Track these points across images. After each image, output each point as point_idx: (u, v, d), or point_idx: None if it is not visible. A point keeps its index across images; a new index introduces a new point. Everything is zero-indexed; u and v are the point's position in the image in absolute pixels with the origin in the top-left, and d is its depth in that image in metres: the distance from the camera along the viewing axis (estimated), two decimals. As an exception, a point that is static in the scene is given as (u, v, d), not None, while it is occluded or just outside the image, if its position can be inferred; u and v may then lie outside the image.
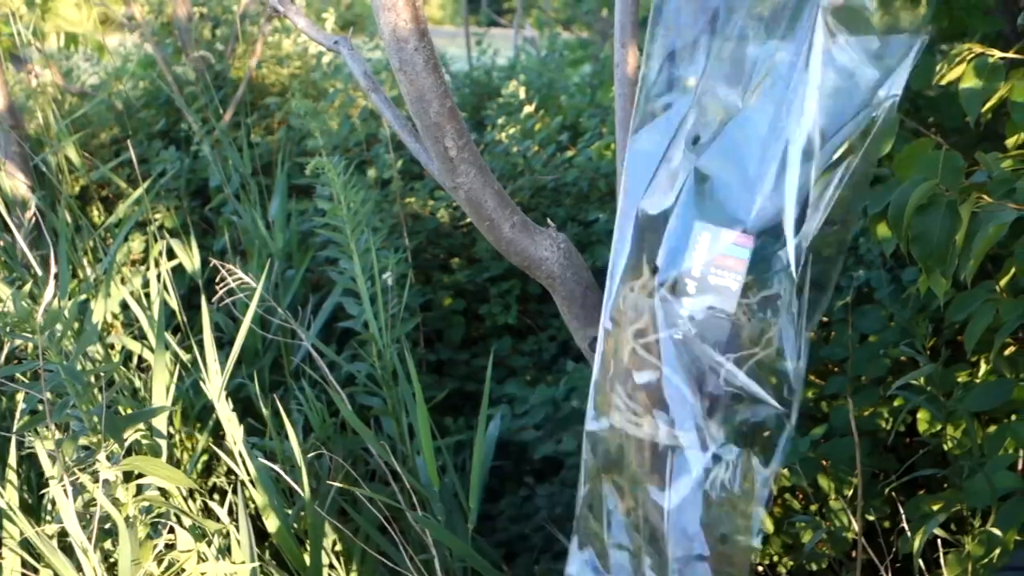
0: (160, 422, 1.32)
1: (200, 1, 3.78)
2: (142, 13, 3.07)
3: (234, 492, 1.44)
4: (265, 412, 1.42)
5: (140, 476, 1.15)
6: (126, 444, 1.08)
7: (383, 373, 1.57)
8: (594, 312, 0.97)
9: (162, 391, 1.36)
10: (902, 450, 1.70)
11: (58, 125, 2.29)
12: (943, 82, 1.30)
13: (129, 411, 1.59)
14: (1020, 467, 1.37)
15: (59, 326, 1.00)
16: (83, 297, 1.82)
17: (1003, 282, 1.28)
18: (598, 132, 2.59)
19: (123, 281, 1.99)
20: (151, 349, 1.73)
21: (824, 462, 1.54)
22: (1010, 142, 1.37)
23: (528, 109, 2.54)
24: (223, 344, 2.16)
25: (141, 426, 1.20)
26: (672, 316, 0.77)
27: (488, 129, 2.73)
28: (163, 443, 1.31)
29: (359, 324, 1.64)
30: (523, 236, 0.93)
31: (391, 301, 1.70)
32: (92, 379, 1.11)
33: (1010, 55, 1.26)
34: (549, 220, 0.97)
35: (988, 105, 1.26)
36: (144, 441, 1.24)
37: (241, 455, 1.28)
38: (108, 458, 1.04)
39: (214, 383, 1.31)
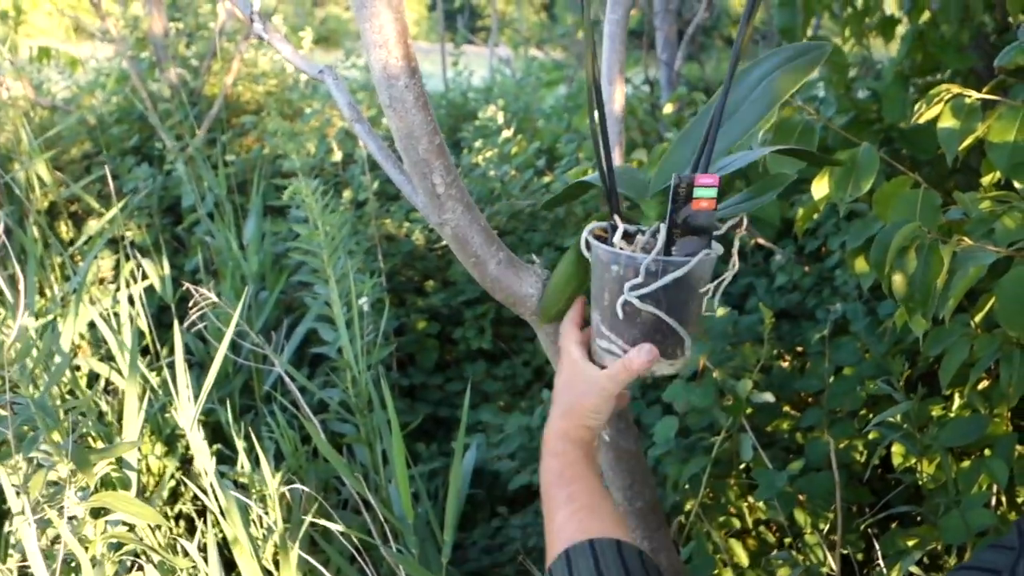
0: (131, 454, 1.29)
1: (177, 16, 3.75)
2: (117, 28, 3.03)
3: (202, 518, 1.40)
4: (237, 440, 1.39)
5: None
6: (96, 477, 1.05)
7: (357, 401, 1.54)
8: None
9: (133, 423, 1.32)
10: (876, 482, 1.70)
11: (29, 140, 2.25)
12: (921, 120, 1.31)
13: (97, 437, 1.56)
14: (995, 503, 1.38)
15: (29, 360, 0.97)
16: (51, 317, 1.78)
17: (978, 318, 1.30)
18: (575, 158, 2.59)
19: (92, 301, 1.95)
20: (119, 372, 1.70)
21: (800, 496, 1.54)
22: (985, 180, 1.39)
23: (506, 133, 2.54)
24: (193, 365, 2.12)
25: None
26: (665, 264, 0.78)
27: (465, 152, 2.72)
28: (133, 475, 1.28)
29: (333, 350, 1.61)
30: (508, 273, 0.92)
31: (367, 327, 1.68)
32: (61, 413, 1.08)
33: (986, 96, 1.28)
34: (534, 256, 0.96)
35: (964, 144, 1.28)
36: (114, 473, 1.21)
37: (212, 486, 1.25)
38: (77, 493, 1.01)
39: (185, 412, 1.28)
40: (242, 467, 1.36)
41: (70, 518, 1.01)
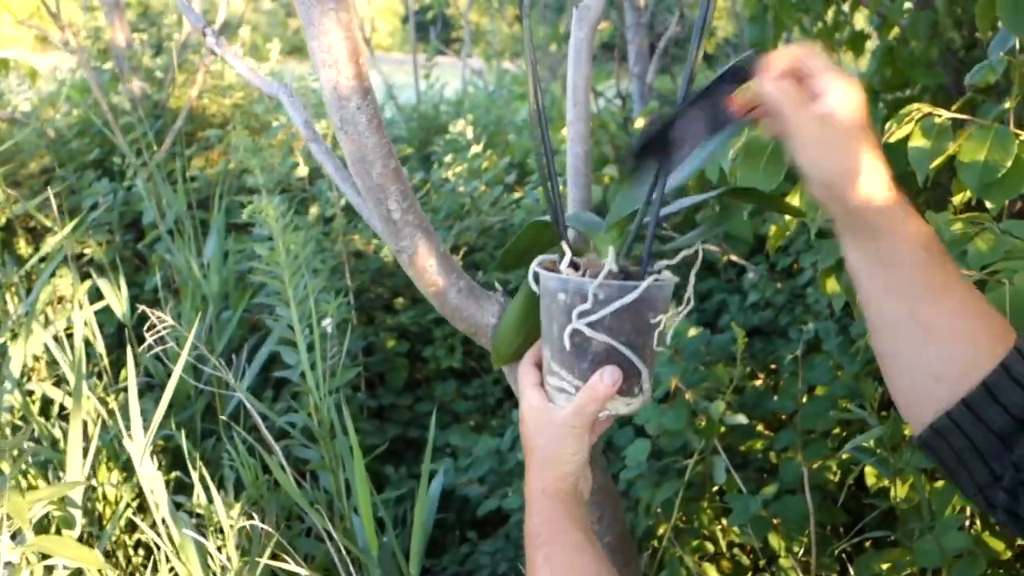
0: (76, 492, 1.23)
1: (140, 27, 3.68)
2: (78, 39, 2.96)
3: (160, 549, 1.35)
4: (193, 471, 1.34)
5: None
6: (34, 519, 0.99)
7: (320, 427, 1.50)
8: (543, 380, 0.93)
9: (77, 460, 1.26)
10: (851, 502, 1.68)
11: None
12: (892, 140, 1.29)
13: (52, 465, 1.50)
14: (968, 525, 1.36)
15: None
16: (1, 340, 1.72)
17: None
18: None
19: (48, 321, 1.89)
20: (71, 395, 1.64)
21: (775, 520, 1.51)
22: (957, 199, 1.38)
23: (476, 149, 2.51)
24: (153, 388, 2.06)
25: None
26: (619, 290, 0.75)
27: (435, 166, 2.69)
28: (77, 513, 1.22)
29: (296, 374, 1.56)
30: (469, 302, 0.89)
31: (330, 349, 1.63)
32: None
33: (956, 115, 1.26)
34: (497, 284, 0.93)
35: (935, 164, 1.26)
36: (57, 512, 1.16)
37: (164, 521, 1.20)
38: (13, 536, 0.96)
39: (137, 443, 1.23)
40: (198, 499, 1.31)
41: (6, 563, 0.95)
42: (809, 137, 0.66)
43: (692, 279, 0.80)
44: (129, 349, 1.41)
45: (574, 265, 0.78)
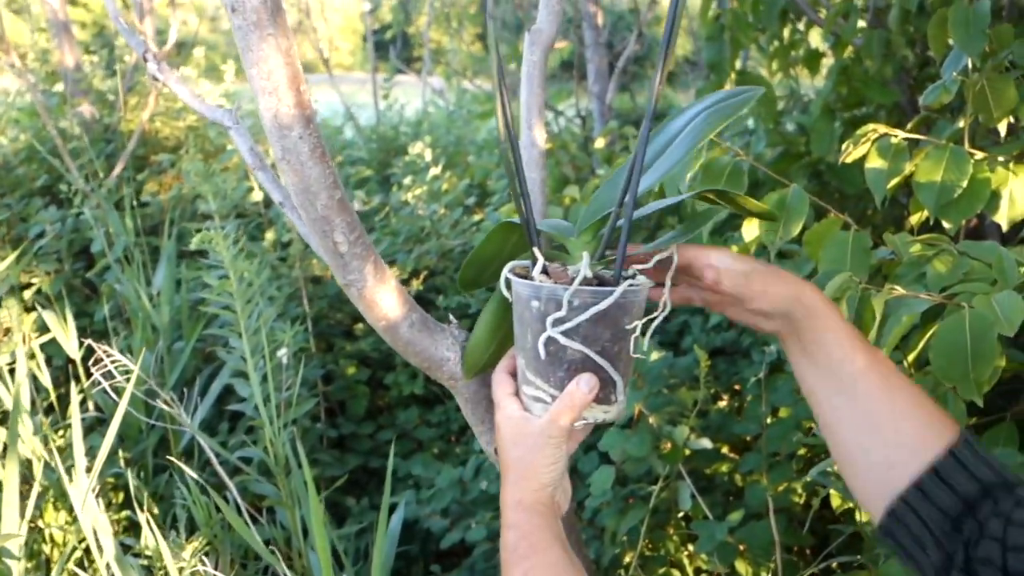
0: (13, 543, 1.17)
1: (92, 49, 3.61)
2: (25, 62, 2.88)
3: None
4: (140, 513, 1.28)
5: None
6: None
7: (276, 461, 1.45)
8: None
9: (13, 509, 1.20)
10: (816, 524, 1.67)
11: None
12: (848, 160, 1.29)
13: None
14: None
15: None
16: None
17: (911, 357, 1.27)
18: (506, 194, 2.54)
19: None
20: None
21: (741, 546, 1.49)
22: (914, 219, 1.37)
23: (435, 171, 2.48)
24: (103, 422, 1.99)
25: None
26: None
27: (394, 188, 2.65)
28: (14, 564, 1.16)
29: (251, 408, 1.52)
30: (422, 336, 0.85)
31: (286, 380, 1.59)
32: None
33: (912, 135, 1.26)
34: (451, 316, 0.90)
35: (892, 184, 1.26)
36: (-11, 565, 1.10)
37: (109, 567, 1.15)
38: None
39: (79, 486, 1.18)
40: (146, 541, 1.25)
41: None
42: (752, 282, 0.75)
43: (668, 284, 0.78)
44: (73, 385, 1.35)
45: (546, 272, 0.76)
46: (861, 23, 2.09)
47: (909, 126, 1.48)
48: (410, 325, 0.85)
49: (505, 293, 0.79)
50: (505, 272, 0.79)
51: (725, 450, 1.81)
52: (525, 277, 0.76)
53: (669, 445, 1.57)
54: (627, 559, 1.56)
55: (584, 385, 0.73)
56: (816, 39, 2.50)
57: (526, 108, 0.98)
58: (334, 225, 0.78)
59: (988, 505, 0.64)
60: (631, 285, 0.74)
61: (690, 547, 1.60)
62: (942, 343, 0.94)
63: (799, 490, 1.64)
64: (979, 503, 0.65)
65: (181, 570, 1.14)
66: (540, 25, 0.99)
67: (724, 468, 1.75)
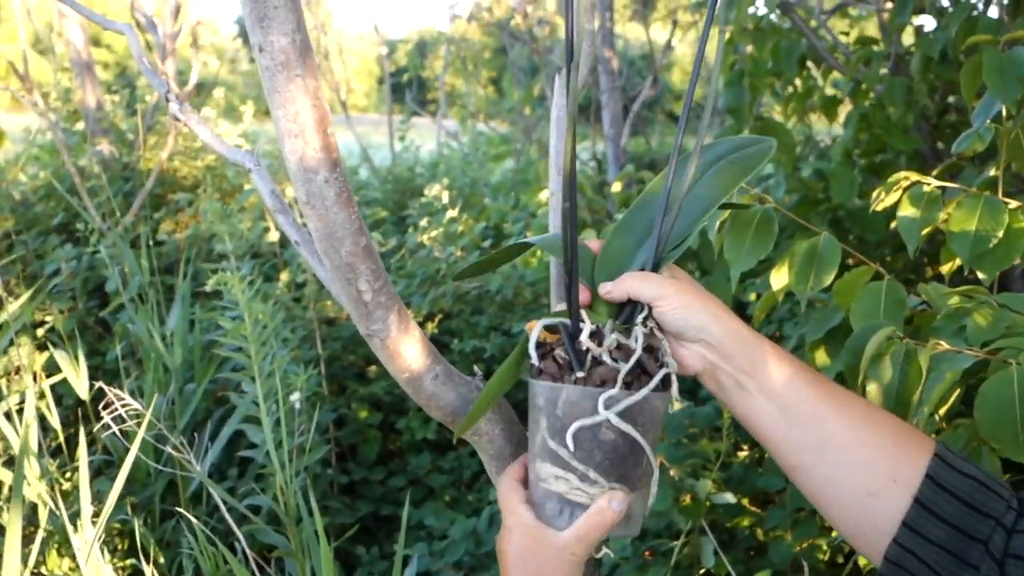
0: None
1: (114, 88, 3.64)
2: (48, 101, 2.90)
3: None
4: (145, 566, 1.24)
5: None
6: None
7: (286, 509, 1.41)
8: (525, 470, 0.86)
9: (15, 557, 1.16)
10: (843, 582, 1.61)
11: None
12: (879, 208, 1.26)
13: None
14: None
15: None
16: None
17: (943, 410, 1.23)
18: (522, 237, 2.52)
19: (6, 392, 1.79)
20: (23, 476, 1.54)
21: (767, 606, 1.43)
22: (945, 268, 1.34)
23: (452, 213, 2.46)
24: (112, 464, 1.96)
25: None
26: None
27: (410, 230, 2.64)
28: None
29: (261, 455, 1.48)
30: (447, 389, 0.82)
31: (299, 425, 1.55)
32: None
33: (943, 183, 1.23)
34: (476, 368, 0.86)
35: (924, 233, 1.23)
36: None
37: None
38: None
39: (84, 535, 1.14)
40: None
41: None
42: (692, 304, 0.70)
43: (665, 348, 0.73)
44: (82, 428, 1.32)
45: (593, 336, 0.71)
46: (883, 70, 2.08)
47: (935, 173, 1.45)
48: (434, 377, 0.81)
49: (532, 355, 0.74)
50: (533, 336, 0.75)
51: (747, 503, 1.75)
52: (555, 331, 0.73)
53: (690, 498, 1.52)
54: (648, 617, 1.50)
55: (617, 505, 0.68)
56: (830, 86, 2.49)
57: (555, 152, 0.96)
58: (359, 272, 0.75)
59: (988, 527, 0.60)
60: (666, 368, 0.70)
61: (713, 605, 1.55)
62: (988, 400, 0.90)
63: (824, 547, 1.59)
64: (974, 525, 0.61)
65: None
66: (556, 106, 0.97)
67: (746, 522, 1.70)
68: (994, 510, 0.61)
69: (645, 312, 0.72)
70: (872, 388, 0.92)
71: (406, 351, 0.79)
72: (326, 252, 0.75)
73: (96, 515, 1.26)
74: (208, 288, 1.40)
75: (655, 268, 0.75)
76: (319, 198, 0.72)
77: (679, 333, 0.71)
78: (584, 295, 0.75)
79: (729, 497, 1.52)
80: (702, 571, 1.55)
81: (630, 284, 0.72)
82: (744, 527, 1.71)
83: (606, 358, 0.70)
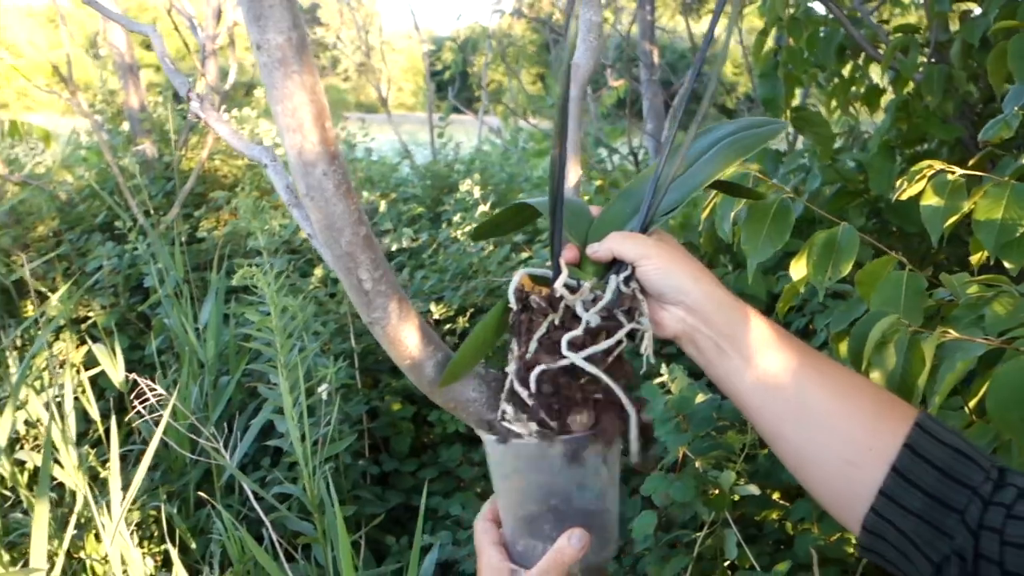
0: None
1: (161, 91, 3.73)
2: (88, 100, 2.98)
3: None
4: (172, 549, 1.28)
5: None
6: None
7: (312, 497, 1.44)
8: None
9: (41, 548, 1.19)
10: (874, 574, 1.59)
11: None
12: (903, 197, 1.24)
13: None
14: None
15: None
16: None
17: (972, 403, 1.21)
18: (555, 231, 2.52)
19: (43, 387, 1.85)
20: (60, 464, 1.59)
21: (790, 599, 1.42)
22: (974, 259, 1.32)
23: (483, 208, 2.48)
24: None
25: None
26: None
27: (444, 226, 2.66)
28: (41, 600, 1.16)
29: (288, 444, 1.51)
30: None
31: (327, 416, 1.58)
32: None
33: (972, 171, 1.21)
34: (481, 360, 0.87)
35: (950, 222, 1.21)
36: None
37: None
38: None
39: (112, 523, 1.18)
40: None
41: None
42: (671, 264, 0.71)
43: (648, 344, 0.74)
44: (114, 419, 1.36)
45: (568, 287, 0.73)
46: (921, 57, 2.03)
47: (971, 163, 1.42)
48: (435, 364, 0.83)
49: (512, 303, 0.76)
50: (516, 278, 0.76)
51: (776, 497, 1.74)
52: (542, 282, 0.74)
53: (715, 490, 1.52)
54: (671, 609, 1.50)
55: (576, 541, 0.69)
56: (877, 75, 2.44)
57: (560, 131, 0.96)
58: (359, 262, 0.77)
59: (964, 496, 0.60)
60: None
61: (738, 598, 1.54)
62: (999, 390, 0.88)
63: (853, 540, 1.57)
64: (951, 494, 0.60)
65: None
66: (577, 60, 0.97)
67: (775, 515, 1.69)
68: (971, 480, 0.60)
69: (628, 271, 0.72)
70: (876, 375, 0.91)
71: (407, 338, 0.80)
72: (327, 242, 0.77)
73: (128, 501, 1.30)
74: (235, 282, 1.44)
75: (643, 231, 0.76)
76: (318, 190, 0.74)
77: (660, 294, 0.71)
78: (574, 254, 0.76)
79: (753, 489, 1.51)
80: (726, 563, 1.54)
81: (615, 243, 0.73)
82: (773, 520, 1.70)
83: (580, 310, 0.71)
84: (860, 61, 2.29)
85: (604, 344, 0.71)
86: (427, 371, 0.83)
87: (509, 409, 0.76)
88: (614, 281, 0.72)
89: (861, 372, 0.94)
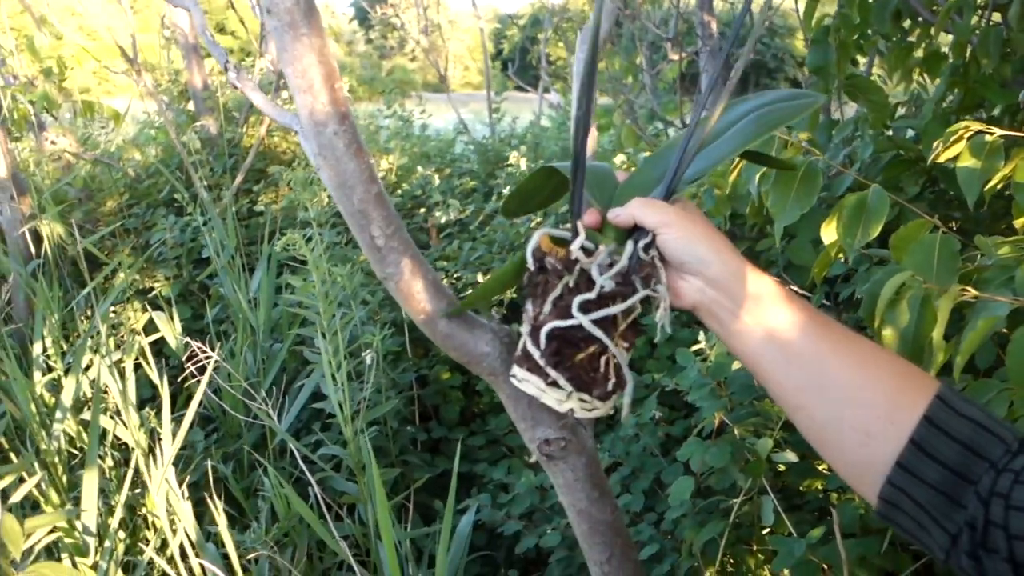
0: (89, 518, 1.24)
1: (220, 68, 3.83)
2: (154, 79, 3.09)
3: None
4: (214, 507, 1.34)
5: None
6: (42, 543, 1.01)
7: (355, 458, 1.49)
8: (543, 411, 0.90)
9: (92, 494, 1.27)
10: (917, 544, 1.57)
11: (62, 193, 2.28)
12: (940, 159, 1.22)
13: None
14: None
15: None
16: (61, 371, 1.78)
17: (959, 360, 1.19)
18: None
19: (105, 353, 1.95)
20: (125, 425, 1.68)
21: (825, 566, 1.42)
22: (1018, 223, 1.29)
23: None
24: (208, 419, 2.10)
25: (64, 523, 1.13)
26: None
27: (494, 198, 2.69)
28: (92, 541, 1.23)
29: (330, 407, 1.56)
30: (460, 330, 0.86)
31: (370, 382, 1.63)
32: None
33: (1009, 132, 1.18)
34: (493, 312, 0.90)
35: (990, 185, 1.18)
36: (67, 539, 1.17)
37: (174, 558, 1.20)
38: (12, 564, 0.97)
39: (157, 477, 1.24)
40: (221, 528, 1.31)
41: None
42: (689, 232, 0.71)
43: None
44: (164, 384, 1.43)
45: (585, 250, 0.74)
46: (979, 20, 1.97)
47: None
48: (448, 318, 0.86)
49: (530, 261, 0.77)
50: (536, 237, 0.78)
51: (821, 467, 1.73)
52: (561, 243, 0.75)
53: (753, 457, 1.52)
54: (707, 574, 1.51)
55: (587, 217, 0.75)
56: (942, 41, 2.36)
57: (576, 104, 0.98)
58: (371, 219, 0.80)
59: (982, 468, 0.59)
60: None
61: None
62: (1020, 347, 0.87)
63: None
64: (970, 467, 0.60)
65: (246, 555, 1.19)
66: (592, 22, 0.98)
67: (818, 485, 1.68)
68: (992, 453, 0.60)
69: (648, 238, 0.72)
70: (888, 332, 0.90)
71: (419, 293, 0.83)
72: (339, 200, 0.80)
73: (180, 460, 1.37)
74: (277, 249, 1.49)
75: (666, 199, 0.76)
76: (330, 149, 0.77)
77: (680, 264, 0.71)
78: (595, 218, 0.77)
79: (791, 455, 1.50)
80: (764, 530, 1.54)
81: (636, 209, 0.73)
82: (816, 490, 1.69)
83: (595, 273, 0.72)
84: (911, 25, 2.22)
85: (613, 309, 0.72)
86: (440, 325, 0.86)
87: (521, 370, 0.78)
88: (631, 247, 0.72)
89: (874, 329, 0.93)
